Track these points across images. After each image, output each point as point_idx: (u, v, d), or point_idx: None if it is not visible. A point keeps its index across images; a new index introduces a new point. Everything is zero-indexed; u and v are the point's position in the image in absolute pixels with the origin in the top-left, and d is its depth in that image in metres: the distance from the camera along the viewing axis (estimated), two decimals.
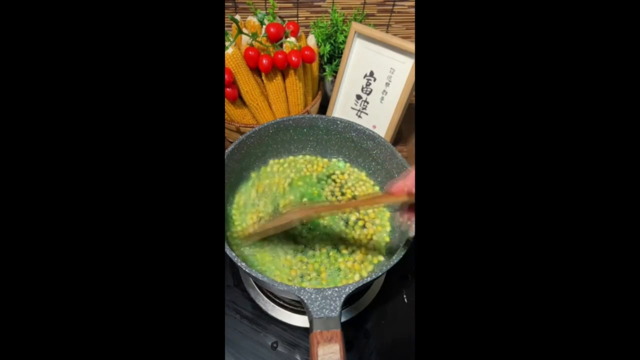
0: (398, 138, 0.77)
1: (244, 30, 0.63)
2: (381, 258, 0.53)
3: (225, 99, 0.65)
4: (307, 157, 0.64)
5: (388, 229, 0.56)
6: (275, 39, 0.63)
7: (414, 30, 0.78)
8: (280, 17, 0.74)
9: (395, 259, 0.42)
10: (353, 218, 0.56)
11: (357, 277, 0.50)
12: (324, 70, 0.75)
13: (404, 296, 0.56)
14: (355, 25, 0.66)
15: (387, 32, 0.79)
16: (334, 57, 0.75)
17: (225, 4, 0.72)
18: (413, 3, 0.75)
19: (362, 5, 0.74)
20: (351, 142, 0.60)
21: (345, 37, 0.71)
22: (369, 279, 0.41)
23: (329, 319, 0.37)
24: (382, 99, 0.70)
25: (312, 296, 0.38)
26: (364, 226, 0.56)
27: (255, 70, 0.66)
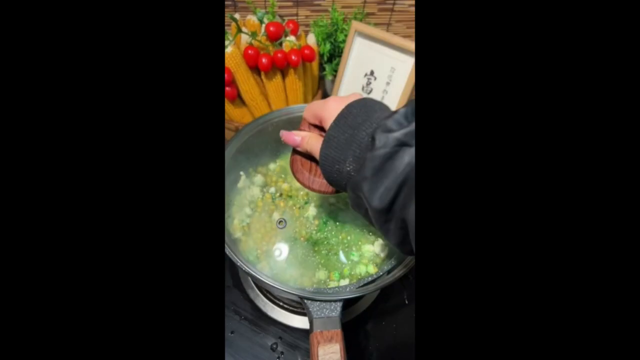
0: None
1: (244, 29, 0.62)
2: (381, 258, 0.52)
3: (225, 99, 0.65)
4: None
5: None
6: (275, 38, 0.63)
7: (414, 29, 0.78)
8: (279, 15, 0.74)
9: (396, 258, 0.42)
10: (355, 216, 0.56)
11: (357, 277, 0.50)
12: (324, 69, 0.75)
13: (404, 296, 0.56)
14: (356, 24, 0.66)
15: (387, 31, 0.79)
16: (334, 56, 0.74)
17: (225, 2, 0.72)
18: (413, 2, 0.74)
19: (363, 4, 0.74)
20: None
21: (346, 36, 0.71)
22: (369, 279, 0.41)
23: (329, 319, 0.37)
24: (383, 98, 0.69)
25: (312, 296, 0.38)
26: (365, 226, 0.55)
27: (255, 69, 0.65)
